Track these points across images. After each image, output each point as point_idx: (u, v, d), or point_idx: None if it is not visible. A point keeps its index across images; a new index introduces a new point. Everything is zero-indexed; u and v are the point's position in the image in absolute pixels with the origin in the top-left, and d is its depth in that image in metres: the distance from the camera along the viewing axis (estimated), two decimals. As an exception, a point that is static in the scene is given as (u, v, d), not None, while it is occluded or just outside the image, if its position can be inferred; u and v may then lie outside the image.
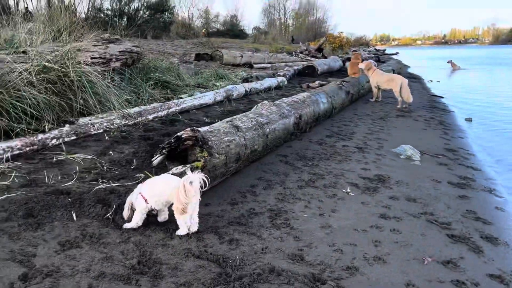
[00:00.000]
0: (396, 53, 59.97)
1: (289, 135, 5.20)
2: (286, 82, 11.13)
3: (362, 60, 10.35)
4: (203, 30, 37.74)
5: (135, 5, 25.12)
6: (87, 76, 4.73)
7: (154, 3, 26.66)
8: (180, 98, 6.63)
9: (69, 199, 2.93)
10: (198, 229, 2.68)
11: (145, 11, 25.82)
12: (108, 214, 2.79)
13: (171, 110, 5.82)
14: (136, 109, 5.36)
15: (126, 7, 24.38)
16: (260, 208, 3.19)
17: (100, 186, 3.21)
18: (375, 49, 74.96)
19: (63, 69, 4.53)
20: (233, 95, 7.76)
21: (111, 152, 4.06)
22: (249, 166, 4.16)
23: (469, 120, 8.21)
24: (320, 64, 15.43)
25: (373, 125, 6.75)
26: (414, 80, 16.26)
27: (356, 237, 2.83)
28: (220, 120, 4.27)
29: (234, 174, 3.85)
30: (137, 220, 2.66)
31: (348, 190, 3.71)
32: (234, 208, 3.16)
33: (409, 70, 23.33)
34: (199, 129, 3.43)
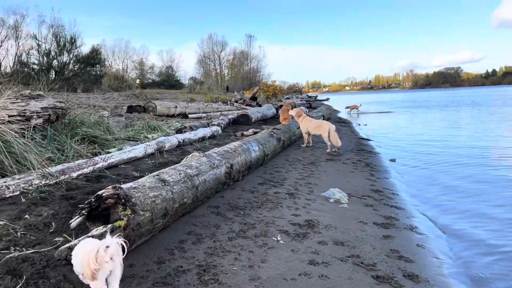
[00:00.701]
0: (327, 99, 63.43)
1: (221, 185, 5.18)
2: (220, 131, 11.24)
3: (293, 107, 10.83)
4: (137, 81, 37.52)
5: (63, 59, 24.56)
6: (2, 136, 4.45)
7: (85, 57, 26.25)
8: (109, 152, 6.43)
9: (-27, 273, 2.65)
10: (119, 295, 2.52)
11: (74, 64, 25.28)
12: (18, 286, 2.55)
13: (97, 166, 5.61)
14: (59, 167, 5.10)
15: (54, 61, 23.75)
16: (188, 265, 3.09)
17: (11, 255, 2.95)
18: (308, 95, 78.70)
19: (-26, 129, 4.24)
20: (165, 146, 7.67)
21: (27, 216, 3.78)
22: (179, 220, 4.05)
23: (393, 160, 8.72)
24: (254, 113, 15.84)
25: (304, 170, 6.94)
26: (344, 124, 17.17)
27: (285, 287, 2.81)
28: (150, 173, 4.17)
29: (162, 230, 3.73)
30: None
31: (279, 238, 3.72)
32: (160, 267, 3.03)
33: (339, 115, 24.65)
34: (122, 186, 3.32)
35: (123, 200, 3.14)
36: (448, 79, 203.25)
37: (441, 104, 36.43)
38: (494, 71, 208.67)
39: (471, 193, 6.07)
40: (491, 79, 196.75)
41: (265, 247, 3.52)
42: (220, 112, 18.60)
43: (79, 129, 7.05)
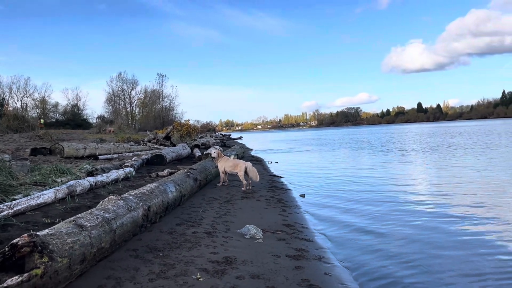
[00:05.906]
0: (240, 138, 65.01)
1: (139, 227, 5.19)
2: (134, 173, 11.07)
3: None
4: (39, 122, 35.10)
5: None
6: None
7: (-20, 95, 24.07)
8: (14, 199, 6.08)
9: None
10: None
11: (-32, 104, 23.02)
12: None
13: (2, 214, 5.28)
14: (-42, 217, 4.74)
15: None
16: (109, 309, 3.11)
17: None
18: (221, 134, 79.84)
19: None
20: (76, 190, 7.40)
21: None
22: (96, 265, 4.01)
23: (302, 196, 9.34)
24: (169, 153, 15.79)
25: (221, 209, 7.17)
26: (256, 162, 17.80)
27: (206, 321, 2.97)
28: (63, 220, 4.09)
29: (80, 276, 3.67)
30: None
31: (198, 276, 3.87)
32: (80, 314, 3.01)
33: (252, 153, 25.44)
34: (38, 233, 3.27)
35: (39, 248, 3.10)
36: (350, 118, 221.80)
37: (344, 142, 39.37)
38: (388, 111, 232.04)
39: (374, 224, 6.76)
40: (386, 118, 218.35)
41: (185, 286, 3.64)
42: (132, 153, 18.21)
43: (-22, 176, 6.56)
